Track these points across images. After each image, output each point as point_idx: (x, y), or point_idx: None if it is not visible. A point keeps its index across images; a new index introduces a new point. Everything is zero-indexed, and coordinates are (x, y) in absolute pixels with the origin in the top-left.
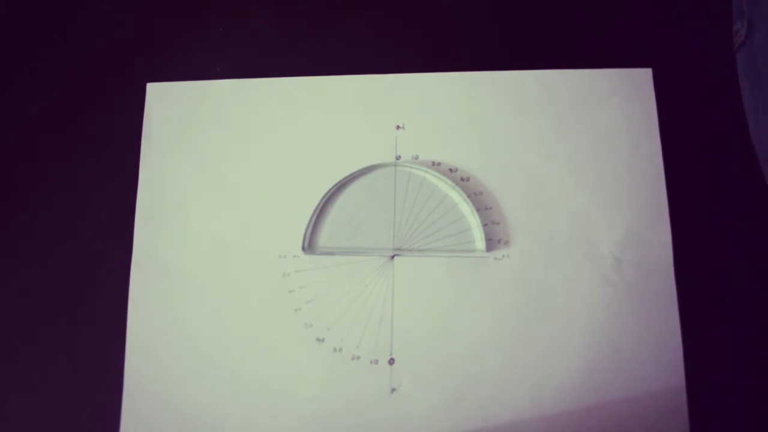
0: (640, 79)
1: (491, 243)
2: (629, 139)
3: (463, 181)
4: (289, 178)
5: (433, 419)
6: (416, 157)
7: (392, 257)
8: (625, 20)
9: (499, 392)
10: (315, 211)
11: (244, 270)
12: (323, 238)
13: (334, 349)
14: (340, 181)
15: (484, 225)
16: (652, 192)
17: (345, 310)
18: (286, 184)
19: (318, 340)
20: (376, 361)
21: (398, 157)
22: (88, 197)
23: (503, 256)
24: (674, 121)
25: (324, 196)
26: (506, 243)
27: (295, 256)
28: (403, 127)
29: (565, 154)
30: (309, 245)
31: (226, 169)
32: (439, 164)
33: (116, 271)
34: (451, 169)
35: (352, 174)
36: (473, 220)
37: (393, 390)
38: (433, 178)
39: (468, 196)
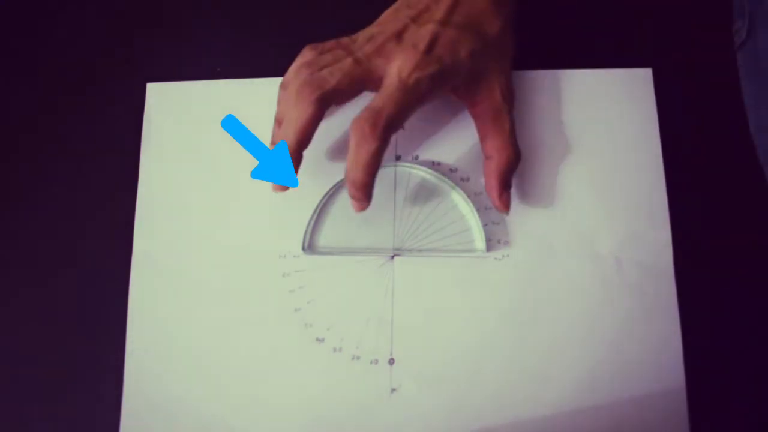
0: (640, 79)
1: (491, 243)
2: (629, 139)
3: (463, 181)
4: None
5: (433, 419)
6: (416, 157)
7: (392, 257)
8: (625, 20)
9: (499, 392)
10: (315, 211)
11: (244, 270)
12: (323, 238)
13: (334, 349)
14: (340, 181)
15: (484, 225)
16: (652, 192)
17: (345, 310)
18: None
19: (318, 340)
20: (376, 361)
21: (398, 157)
22: (88, 197)
23: (503, 256)
24: (674, 121)
25: (324, 196)
26: (506, 243)
27: (295, 256)
28: (403, 127)
29: (565, 154)
30: (309, 245)
31: (226, 169)
32: (439, 164)
33: (116, 271)
34: (451, 169)
35: None
36: (473, 220)
37: (393, 390)
38: (433, 178)
39: (468, 196)
